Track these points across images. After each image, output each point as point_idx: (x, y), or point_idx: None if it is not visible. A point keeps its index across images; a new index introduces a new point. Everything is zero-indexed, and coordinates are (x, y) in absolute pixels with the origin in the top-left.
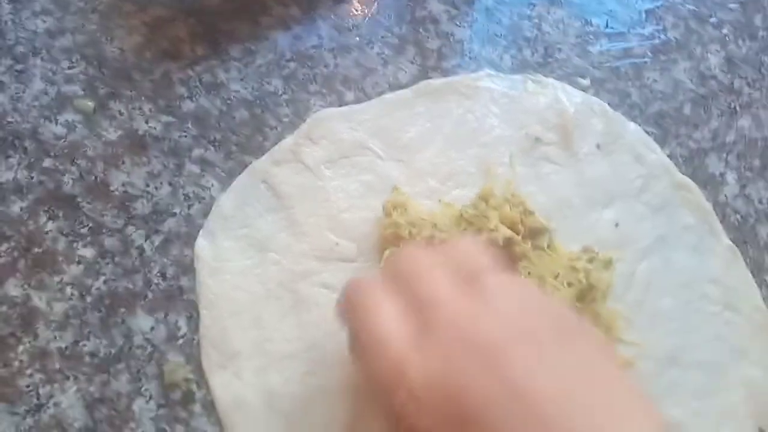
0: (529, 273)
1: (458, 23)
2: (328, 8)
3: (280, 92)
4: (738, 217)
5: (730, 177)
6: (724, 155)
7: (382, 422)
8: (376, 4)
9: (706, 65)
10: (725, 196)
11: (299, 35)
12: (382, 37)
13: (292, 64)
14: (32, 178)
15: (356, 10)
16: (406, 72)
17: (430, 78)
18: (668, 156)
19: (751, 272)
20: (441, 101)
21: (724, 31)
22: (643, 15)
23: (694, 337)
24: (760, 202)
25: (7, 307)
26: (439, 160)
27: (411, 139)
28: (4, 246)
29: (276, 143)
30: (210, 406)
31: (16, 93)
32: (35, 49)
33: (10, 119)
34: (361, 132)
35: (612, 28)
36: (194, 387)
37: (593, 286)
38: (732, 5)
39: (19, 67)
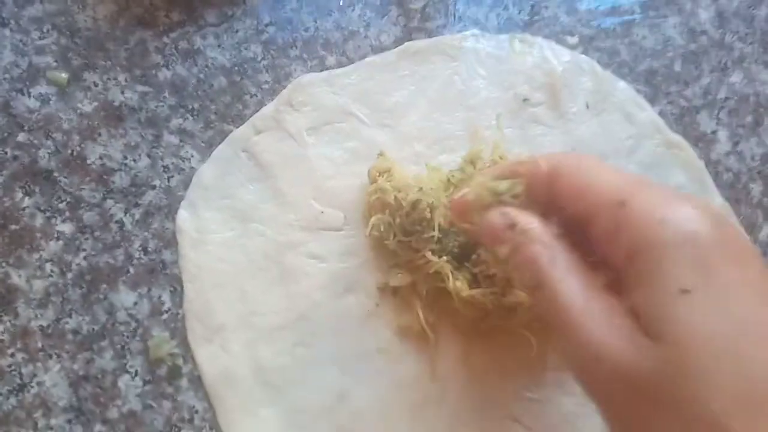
0: None
1: None
2: None
3: (259, 58)
4: (730, 174)
5: (722, 134)
6: (716, 112)
7: None
8: None
9: (696, 20)
10: (717, 153)
11: None
12: None
13: (270, 29)
14: (6, 153)
15: None
16: (389, 34)
17: (414, 39)
18: (659, 114)
19: (744, 230)
20: (426, 63)
21: None
22: None
23: None
24: (753, 159)
25: None
26: (424, 124)
27: (395, 103)
28: None
29: (256, 111)
30: (197, 381)
31: None
32: (3, 20)
33: None
34: (344, 97)
35: None
36: (180, 362)
37: None
38: None
39: None
